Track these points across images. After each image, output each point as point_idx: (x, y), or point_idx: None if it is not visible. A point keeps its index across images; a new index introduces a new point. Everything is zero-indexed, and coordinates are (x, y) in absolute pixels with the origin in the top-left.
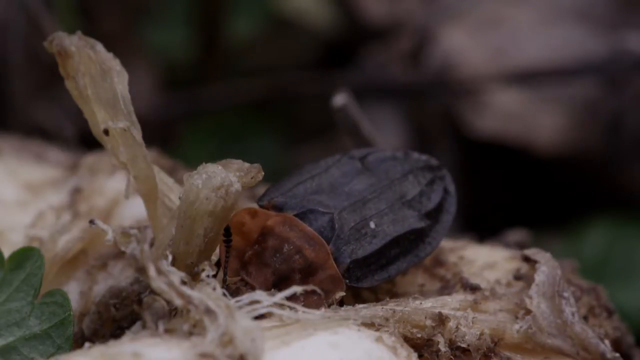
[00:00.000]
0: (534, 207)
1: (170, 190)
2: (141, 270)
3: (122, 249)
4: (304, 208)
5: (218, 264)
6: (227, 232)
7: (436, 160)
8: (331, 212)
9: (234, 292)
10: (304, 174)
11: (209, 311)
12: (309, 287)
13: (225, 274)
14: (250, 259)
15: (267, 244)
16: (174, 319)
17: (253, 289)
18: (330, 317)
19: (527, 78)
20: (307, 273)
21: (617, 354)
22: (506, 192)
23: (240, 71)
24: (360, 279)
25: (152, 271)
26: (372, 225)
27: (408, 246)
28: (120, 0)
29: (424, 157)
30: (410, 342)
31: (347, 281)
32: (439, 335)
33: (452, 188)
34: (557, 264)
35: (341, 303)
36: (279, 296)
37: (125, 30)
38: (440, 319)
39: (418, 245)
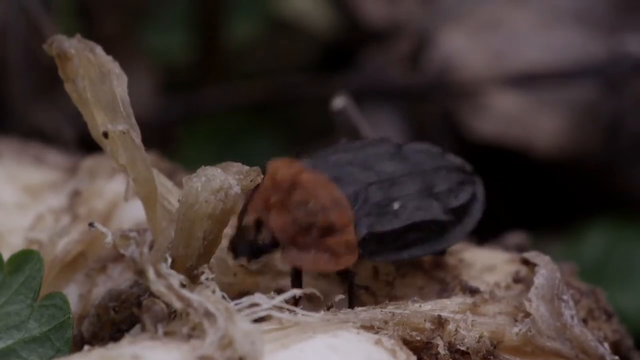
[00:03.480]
0: (533, 209)
1: (170, 193)
2: (140, 273)
3: (122, 251)
4: (332, 175)
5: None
6: (262, 170)
7: (471, 166)
8: (358, 184)
9: (249, 229)
10: (338, 147)
11: (208, 314)
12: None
13: (243, 211)
14: (275, 203)
15: (295, 195)
16: (173, 321)
17: (271, 231)
18: (330, 320)
19: (526, 80)
20: (325, 232)
21: (617, 357)
22: (505, 194)
23: (240, 74)
24: (374, 253)
25: (151, 274)
26: (396, 206)
27: (427, 236)
28: (120, 2)
29: (459, 159)
30: (410, 345)
31: (361, 251)
32: (438, 338)
33: (481, 195)
34: (557, 266)
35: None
36: (279, 299)
37: (125, 32)
38: (440, 322)
39: (437, 238)
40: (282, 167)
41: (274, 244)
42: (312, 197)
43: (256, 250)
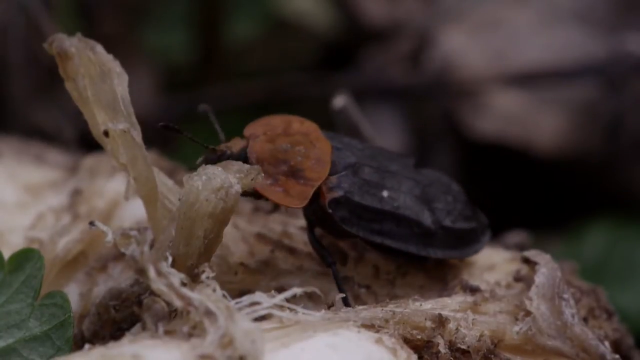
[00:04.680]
0: (533, 208)
1: (170, 191)
2: (141, 271)
3: (122, 250)
4: (333, 144)
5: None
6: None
7: (487, 220)
8: (356, 159)
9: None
10: (358, 140)
11: (208, 313)
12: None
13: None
14: (270, 136)
15: (291, 135)
16: (173, 320)
17: (245, 146)
18: (330, 319)
19: (526, 80)
20: (291, 173)
21: (617, 356)
22: (506, 193)
23: (240, 73)
24: (345, 220)
25: (152, 273)
26: (384, 193)
27: (406, 234)
28: (120, 2)
29: (479, 210)
30: (410, 343)
31: (330, 210)
32: (439, 336)
33: (485, 239)
34: (557, 265)
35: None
36: (279, 298)
37: (125, 32)
38: (440, 321)
39: (417, 243)
40: (301, 124)
41: (242, 159)
42: (303, 145)
43: (222, 155)
